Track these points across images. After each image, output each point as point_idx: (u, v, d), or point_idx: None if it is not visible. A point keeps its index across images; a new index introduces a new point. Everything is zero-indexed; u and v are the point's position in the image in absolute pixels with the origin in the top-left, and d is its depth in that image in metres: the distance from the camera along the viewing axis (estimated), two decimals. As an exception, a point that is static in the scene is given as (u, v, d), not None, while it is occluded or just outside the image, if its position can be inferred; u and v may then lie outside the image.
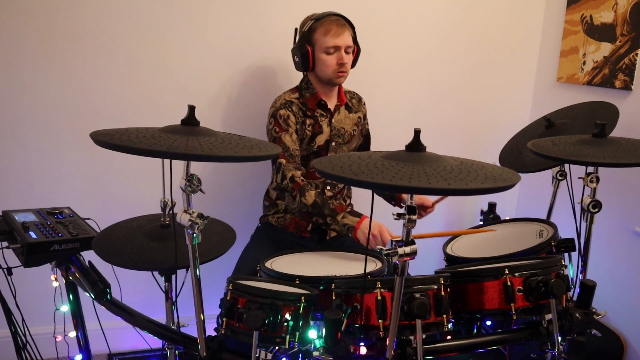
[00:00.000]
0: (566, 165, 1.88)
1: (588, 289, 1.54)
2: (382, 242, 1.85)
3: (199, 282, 1.28)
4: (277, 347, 1.35)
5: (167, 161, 1.29)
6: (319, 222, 1.99)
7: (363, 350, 1.39)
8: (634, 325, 2.32)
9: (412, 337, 1.35)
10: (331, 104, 2.21)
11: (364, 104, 2.36)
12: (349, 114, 2.27)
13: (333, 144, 2.21)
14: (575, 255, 1.70)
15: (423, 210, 2.15)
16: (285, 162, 2.04)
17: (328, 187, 2.23)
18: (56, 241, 1.57)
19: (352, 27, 2.12)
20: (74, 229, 1.65)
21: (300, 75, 2.23)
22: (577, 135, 1.64)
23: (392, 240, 1.17)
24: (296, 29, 2.15)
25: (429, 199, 2.16)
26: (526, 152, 1.91)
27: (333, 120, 2.20)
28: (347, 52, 2.09)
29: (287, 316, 1.32)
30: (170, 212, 1.57)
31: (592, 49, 2.50)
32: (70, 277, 1.66)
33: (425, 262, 1.81)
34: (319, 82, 2.15)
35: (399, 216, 1.17)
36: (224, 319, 1.36)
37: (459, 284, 1.47)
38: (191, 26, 2.35)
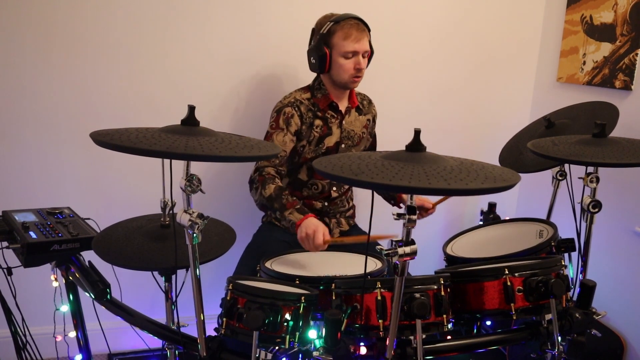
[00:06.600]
0: (566, 165, 1.87)
1: (588, 289, 1.53)
2: (313, 244, 1.78)
3: (199, 282, 1.28)
4: (277, 347, 1.35)
5: (167, 161, 1.28)
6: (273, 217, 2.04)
7: (363, 350, 1.39)
8: (634, 325, 2.32)
9: (412, 337, 1.35)
10: (342, 105, 2.20)
11: (374, 106, 2.35)
12: (359, 117, 2.26)
13: (343, 146, 2.20)
14: (575, 255, 1.69)
15: (424, 211, 2.15)
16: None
17: (334, 188, 2.23)
18: (56, 241, 1.57)
19: (369, 30, 2.09)
20: (74, 229, 1.65)
21: (300, 77, 2.23)
22: (577, 135, 1.64)
23: (392, 240, 1.17)
24: (313, 30, 2.12)
25: (429, 200, 2.15)
26: (526, 152, 1.91)
27: (344, 122, 2.19)
28: (363, 57, 2.08)
29: (287, 316, 1.32)
30: (170, 212, 1.56)
31: (592, 49, 2.50)
32: (70, 277, 1.66)
33: (425, 262, 1.81)
34: (332, 84, 2.14)
35: (399, 216, 1.17)
36: (224, 319, 1.36)
37: (459, 284, 1.47)
38: (191, 26, 2.35)
